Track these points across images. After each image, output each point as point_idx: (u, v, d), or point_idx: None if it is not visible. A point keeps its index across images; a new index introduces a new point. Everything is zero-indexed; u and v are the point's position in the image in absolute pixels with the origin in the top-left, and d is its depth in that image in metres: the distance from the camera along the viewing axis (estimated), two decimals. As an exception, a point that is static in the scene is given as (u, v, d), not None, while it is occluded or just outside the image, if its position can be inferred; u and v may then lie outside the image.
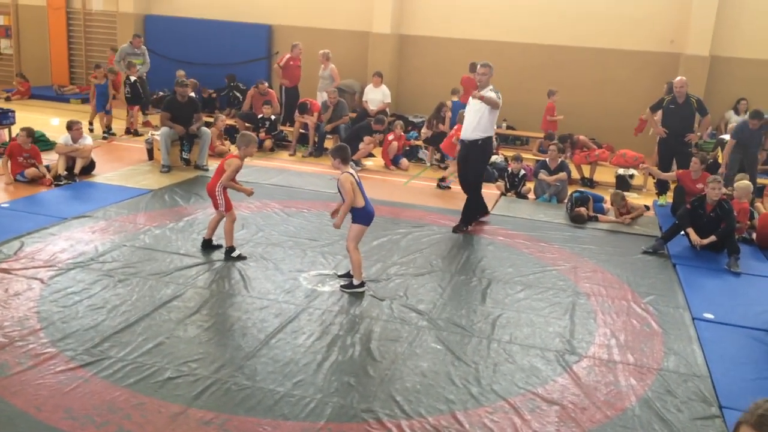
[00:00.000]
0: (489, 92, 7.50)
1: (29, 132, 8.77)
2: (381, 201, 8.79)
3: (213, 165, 10.05)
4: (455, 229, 7.78)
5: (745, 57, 12.35)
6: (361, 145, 10.90)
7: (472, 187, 7.93)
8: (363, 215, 5.75)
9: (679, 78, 9.46)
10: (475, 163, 7.80)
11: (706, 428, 4.13)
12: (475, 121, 7.57)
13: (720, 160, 10.51)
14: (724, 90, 12.36)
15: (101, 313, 5.09)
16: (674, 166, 9.38)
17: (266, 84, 12.80)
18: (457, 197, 9.41)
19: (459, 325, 5.30)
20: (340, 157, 5.71)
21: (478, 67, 7.71)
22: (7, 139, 10.10)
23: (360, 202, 5.69)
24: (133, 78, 12.43)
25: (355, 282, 5.83)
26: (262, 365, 4.51)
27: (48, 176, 8.62)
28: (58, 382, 4.15)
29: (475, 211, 7.98)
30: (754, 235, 7.92)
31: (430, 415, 4.08)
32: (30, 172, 8.56)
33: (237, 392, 4.17)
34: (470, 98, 7.76)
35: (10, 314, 4.96)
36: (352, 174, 5.68)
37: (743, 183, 8.18)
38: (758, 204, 8.61)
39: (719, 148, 11.09)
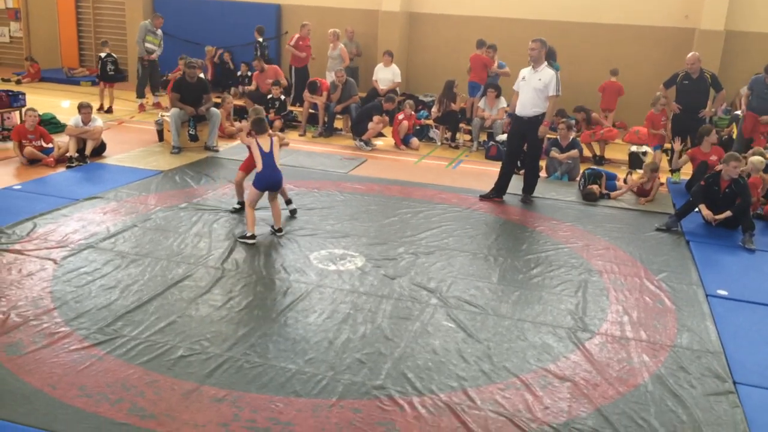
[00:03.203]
0: (545, 69, 7.80)
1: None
2: (391, 180, 8.79)
3: (222, 146, 10.07)
4: (523, 200, 8.17)
5: (761, 31, 12.14)
6: (370, 125, 10.85)
7: (532, 160, 8.24)
8: (257, 179, 6.37)
9: (691, 54, 9.31)
10: (536, 137, 8.02)
11: (719, 404, 4.11)
12: (534, 97, 7.82)
13: (734, 137, 10.39)
14: (740, 65, 12.17)
15: (114, 293, 5.12)
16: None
17: (262, 62, 12.64)
18: (469, 175, 9.38)
19: (470, 303, 5.29)
20: (253, 128, 6.39)
21: (530, 42, 7.91)
22: (18, 122, 10.14)
23: (258, 167, 6.31)
24: (103, 54, 12.69)
25: (247, 233, 6.32)
26: (273, 343, 4.52)
27: (48, 158, 8.64)
28: (72, 361, 4.18)
29: (535, 178, 8.30)
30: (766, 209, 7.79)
31: (441, 391, 4.08)
32: (28, 152, 8.62)
33: (249, 370, 4.19)
34: (525, 74, 7.96)
35: (24, 294, 5.00)
36: (261, 138, 6.32)
37: (755, 158, 8.04)
38: None
39: (734, 123, 10.95)
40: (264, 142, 6.35)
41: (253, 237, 6.29)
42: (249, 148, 6.51)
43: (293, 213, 7.14)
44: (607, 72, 12.26)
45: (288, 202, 7.19)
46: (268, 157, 6.33)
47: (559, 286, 5.73)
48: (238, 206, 7.14)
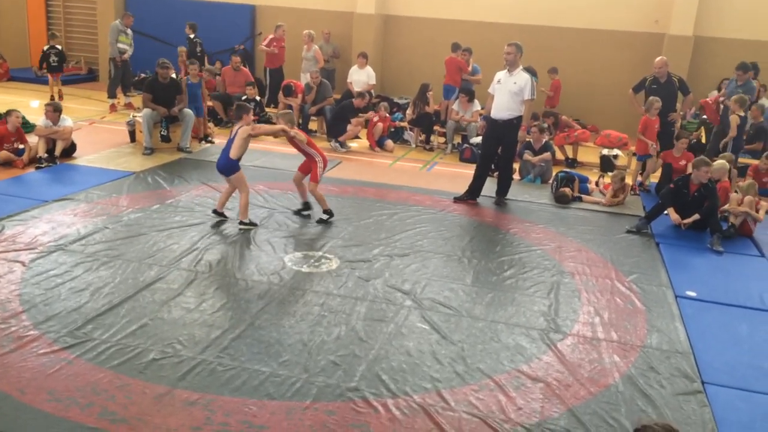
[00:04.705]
0: (521, 73, 7.81)
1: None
2: (366, 182, 8.79)
3: (195, 147, 9.98)
4: (497, 202, 8.19)
5: (729, 37, 12.39)
6: (348, 127, 10.84)
7: (506, 162, 8.27)
8: None
9: (659, 58, 9.47)
10: (511, 140, 8.08)
11: (688, 403, 4.18)
12: (509, 101, 7.85)
13: (704, 140, 10.57)
14: (708, 70, 12.40)
15: (84, 296, 5.04)
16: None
17: (239, 58, 12.55)
18: (443, 177, 9.41)
19: (444, 305, 5.31)
20: (234, 113, 7.12)
21: (506, 46, 7.91)
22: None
23: None
24: (46, 46, 13.03)
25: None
26: (247, 345, 4.50)
27: (19, 159, 8.47)
28: (42, 365, 4.11)
29: (509, 180, 8.35)
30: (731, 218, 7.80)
31: (415, 393, 4.10)
32: (3, 155, 8.42)
33: (222, 373, 4.16)
34: (500, 77, 7.96)
35: (-9, 297, 4.91)
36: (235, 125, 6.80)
37: (719, 163, 8.16)
38: (733, 195, 8.45)
39: (703, 128, 11.16)
40: (234, 129, 6.78)
41: (214, 211, 6.97)
42: (294, 146, 7.14)
43: (301, 213, 7.32)
44: (579, 75, 12.43)
45: (306, 205, 7.38)
46: (227, 143, 6.77)
47: (532, 288, 5.78)
48: (301, 207, 7.35)
